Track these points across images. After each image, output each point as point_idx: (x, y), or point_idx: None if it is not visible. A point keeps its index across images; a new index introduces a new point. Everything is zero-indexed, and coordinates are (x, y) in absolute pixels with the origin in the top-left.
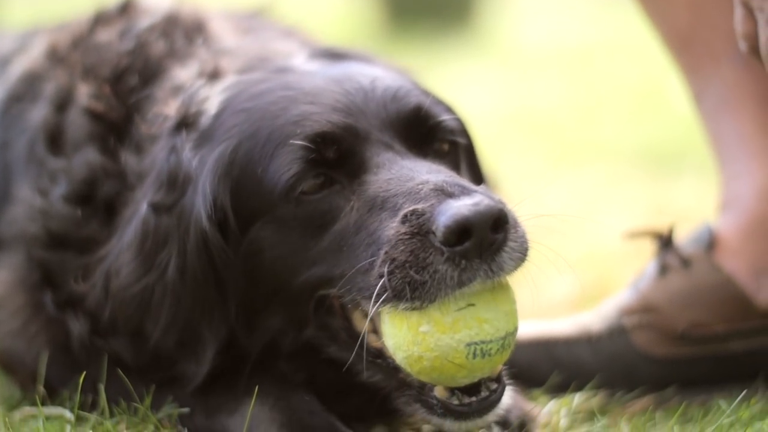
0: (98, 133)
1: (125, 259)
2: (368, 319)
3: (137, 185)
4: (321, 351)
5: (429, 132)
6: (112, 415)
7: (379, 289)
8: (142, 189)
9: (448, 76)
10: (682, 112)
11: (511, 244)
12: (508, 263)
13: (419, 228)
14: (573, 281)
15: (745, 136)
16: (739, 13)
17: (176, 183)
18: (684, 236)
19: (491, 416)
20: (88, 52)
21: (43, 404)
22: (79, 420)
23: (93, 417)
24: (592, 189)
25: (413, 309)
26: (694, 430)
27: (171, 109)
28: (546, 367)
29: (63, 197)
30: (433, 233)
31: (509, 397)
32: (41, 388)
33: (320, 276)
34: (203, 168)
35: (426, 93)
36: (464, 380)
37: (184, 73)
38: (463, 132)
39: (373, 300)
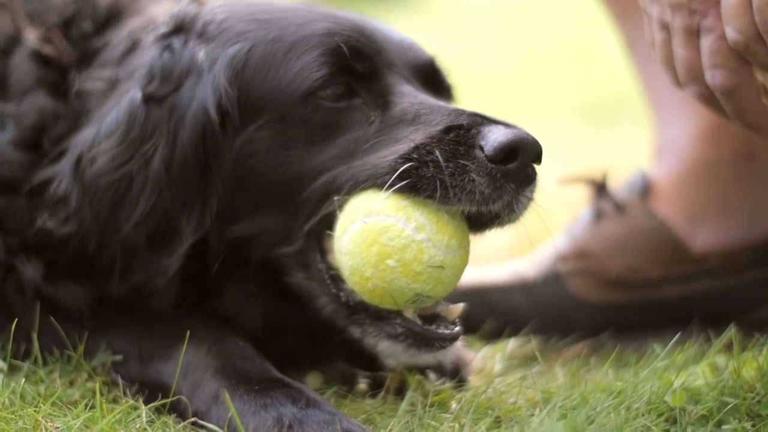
0: (48, 78)
1: (105, 147)
2: (381, 195)
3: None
4: (282, 276)
5: (440, 84)
6: (45, 363)
7: (403, 172)
8: (124, 84)
9: None
10: (616, 66)
11: (534, 185)
12: (524, 204)
13: (465, 139)
14: (508, 229)
15: None
16: (657, 37)
17: (171, 77)
18: (618, 183)
19: (444, 353)
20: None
21: None
22: (12, 369)
23: (26, 366)
24: None
25: (428, 198)
26: (629, 374)
27: (155, 21)
28: (481, 313)
29: (12, 142)
30: (481, 148)
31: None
32: None
33: (325, 185)
34: (213, 62)
35: None
36: (406, 303)
37: (157, 9)
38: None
39: (392, 179)
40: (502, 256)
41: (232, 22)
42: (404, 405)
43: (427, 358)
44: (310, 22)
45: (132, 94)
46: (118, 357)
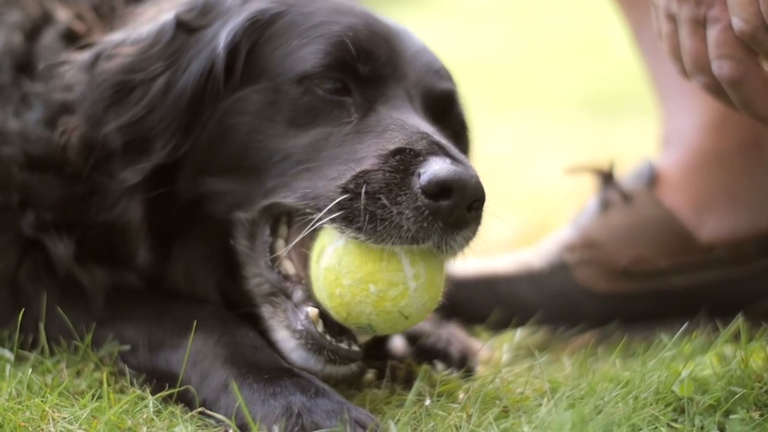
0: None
1: (125, 51)
2: (308, 229)
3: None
4: (230, 237)
5: (446, 120)
6: (52, 353)
7: (337, 203)
8: (167, 3)
9: None
10: (622, 57)
11: (470, 230)
12: (457, 245)
13: (406, 166)
14: (515, 220)
15: None
16: (664, 27)
17: (209, 13)
18: (625, 172)
19: (339, 370)
20: None
21: None
22: (19, 359)
23: (33, 356)
24: (534, 133)
25: (356, 239)
26: (636, 364)
27: None
28: (488, 303)
29: (40, 121)
30: (418, 176)
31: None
32: None
33: (286, 176)
34: (244, 9)
35: (453, 78)
36: (354, 323)
37: None
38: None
39: (326, 211)
40: (509, 247)
41: None
42: (412, 395)
43: (315, 365)
44: (343, 13)
45: (170, 15)
46: (126, 347)
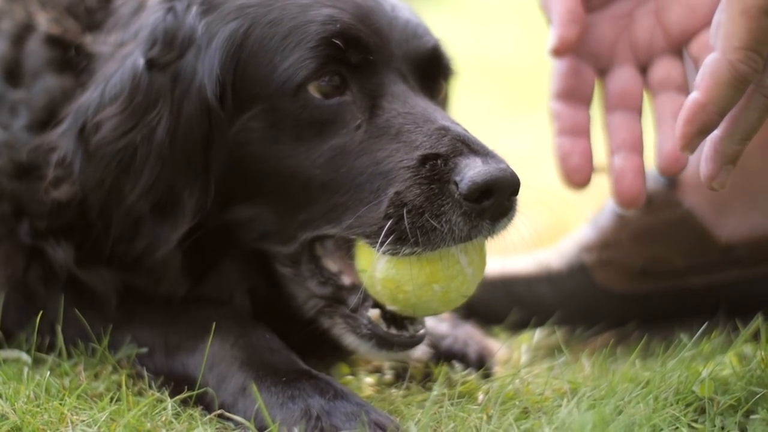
0: (55, 57)
1: (108, 113)
2: (376, 257)
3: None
4: (271, 263)
5: (438, 73)
6: (69, 356)
7: (387, 230)
8: (128, 46)
9: None
10: None
11: (512, 212)
12: (503, 228)
13: (440, 175)
14: (531, 220)
15: None
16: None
17: (174, 42)
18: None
19: (406, 354)
20: None
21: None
22: (37, 362)
23: (50, 359)
24: (550, 132)
25: (413, 254)
26: (656, 364)
27: None
28: (506, 304)
29: (25, 127)
30: (455, 184)
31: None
32: None
33: (319, 205)
34: (211, 37)
35: (429, 29)
36: (418, 315)
37: None
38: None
39: (380, 241)
40: (527, 247)
41: None
42: (432, 396)
43: (388, 356)
44: (312, 4)
45: (135, 58)
46: (144, 349)
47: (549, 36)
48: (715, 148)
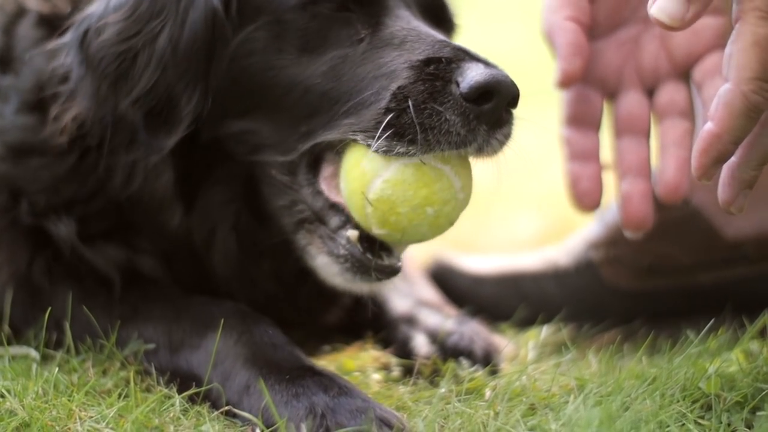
0: (45, 36)
1: (112, 19)
2: (371, 149)
3: None
4: (258, 175)
5: (442, 19)
6: (77, 352)
7: (386, 124)
8: None
9: None
10: None
11: (507, 128)
12: (497, 144)
13: (443, 74)
14: (539, 217)
15: None
16: None
17: None
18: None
19: (380, 285)
20: None
21: (8, 344)
22: (45, 358)
23: (59, 355)
24: (557, 129)
25: (410, 154)
26: (663, 361)
27: None
28: (513, 301)
29: (15, 111)
30: (457, 84)
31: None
32: (6, 328)
33: (320, 114)
34: None
35: None
36: (405, 241)
37: None
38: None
39: (377, 135)
40: (535, 244)
41: None
42: (439, 392)
43: (360, 286)
44: None
45: None
46: (150, 346)
47: (554, 68)
48: (732, 174)
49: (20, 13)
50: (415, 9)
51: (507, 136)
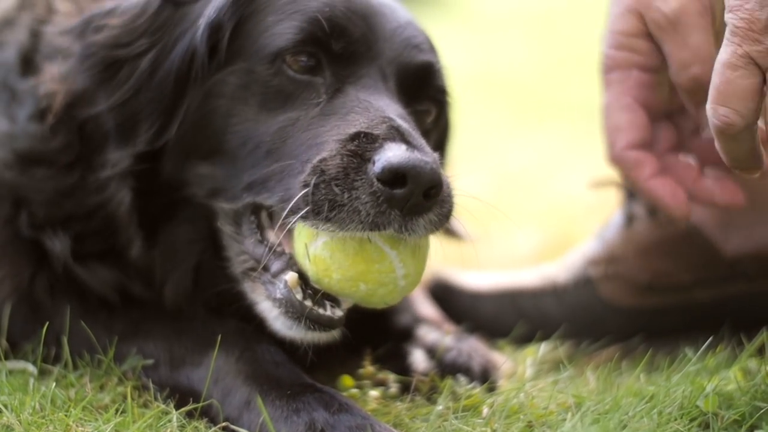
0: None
1: (112, 22)
2: (276, 228)
3: None
4: (214, 220)
5: (425, 93)
6: (75, 368)
7: (299, 199)
8: None
9: None
10: None
11: (431, 215)
12: (421, 229)
13: (363, 151)
14: (538, 234)
15: None
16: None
17: None
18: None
19: (317, 336)
20: None
21: (5, 358)
22: (43, 373)
23: (56, 370)
24: (557, 145)
25: (329, 230)
26: (661, 379)
27: None
28: (511, 318)
29: (29, 117)
30: (373, 163)
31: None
32: (4, 342)
33: (261, 170)
34: None
35: (435, 51)
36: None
37: None
38: (447, 108)
39: (289, 208)
40: (533, 260)
41: None
42: (437, 409)
43: (296, 332)
44: None
45: None
46: (149, 361)
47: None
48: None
49: (50, 14)
50: (393, 81)
51: (435, 223)
